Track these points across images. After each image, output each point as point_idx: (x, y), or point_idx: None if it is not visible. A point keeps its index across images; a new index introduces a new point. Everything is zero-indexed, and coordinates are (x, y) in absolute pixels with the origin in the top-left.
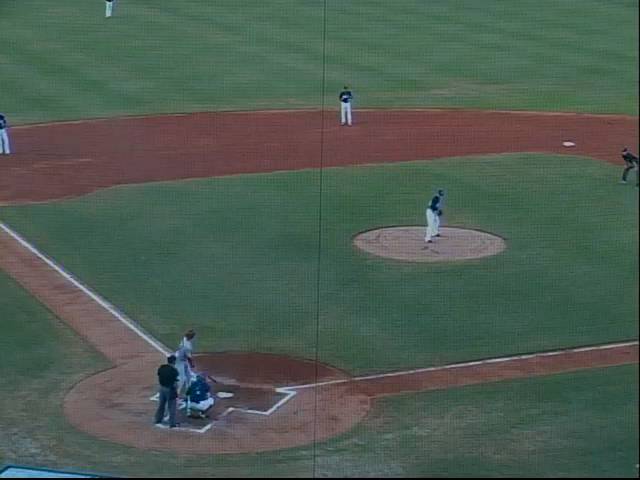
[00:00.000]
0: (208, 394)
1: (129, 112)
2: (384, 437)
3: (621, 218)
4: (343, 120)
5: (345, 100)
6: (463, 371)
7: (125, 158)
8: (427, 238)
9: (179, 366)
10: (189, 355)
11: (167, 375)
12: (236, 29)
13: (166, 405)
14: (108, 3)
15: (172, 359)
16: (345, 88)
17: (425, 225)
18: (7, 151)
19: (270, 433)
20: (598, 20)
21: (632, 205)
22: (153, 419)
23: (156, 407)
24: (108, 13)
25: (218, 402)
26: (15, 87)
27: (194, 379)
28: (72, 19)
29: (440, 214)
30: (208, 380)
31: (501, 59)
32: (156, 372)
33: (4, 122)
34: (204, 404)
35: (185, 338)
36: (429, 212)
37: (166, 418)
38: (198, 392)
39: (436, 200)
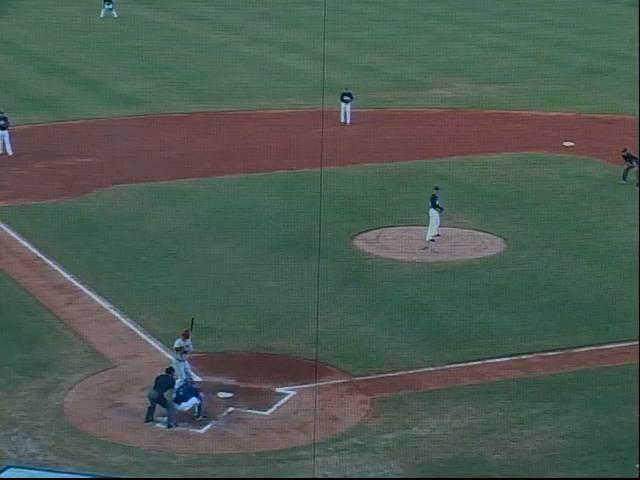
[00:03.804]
0: (192, 396)
1: (129, 112)
2: (384, 437)
3: (621, 218)
4: (342, 120)
5: (346, 101)
6: (463, 371)
7: (125, 158)
8: (428, 237)
9: (178, 367)
10: (189, 350)
11: (163, 383)
12: (236, 29)
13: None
14: (106, 5)
15: (171, 370)
16: (346, 89)
17: (427, 224)
18: (10, 152)
19: (270, 433)
20: (598, 20)
21: (632, 205)
22: (144, 418)
23: (146, 407)
24: (102, 14)
25: (217, 402)
26: (15, 87)
27: (180, 382)
28: (72, 19)
29: (441, 210)
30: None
31: (501, 59)
32: (154, 379)
33: (7, 123)
34: (185, 405)
35: (181, 338)
36: (432, 211)
37: (165, 418)
38: (181, 393)
39: (435, 198)
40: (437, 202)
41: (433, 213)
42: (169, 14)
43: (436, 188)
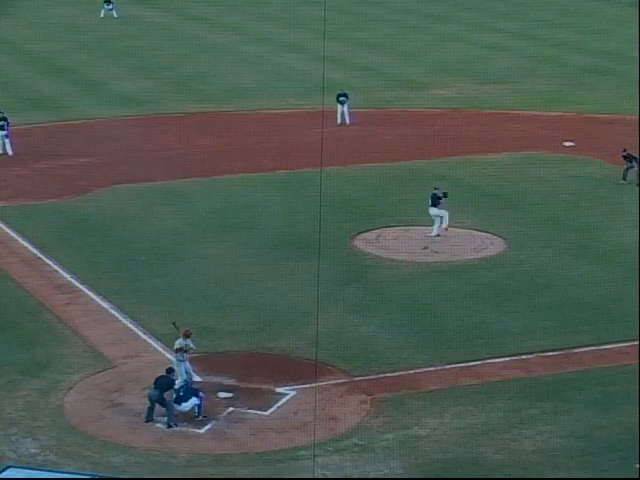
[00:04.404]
0: (192, 396)
1: (129, 112)
2: (384, 437)
3: (621, 218)
4: (339, 121)
5: (341, 102)
6: (463, 371)
7: (125, 158)
8: (434, 233)
9: (179, 368)
10: (190, 351)
11: (162, 383)
12: (236, 29)
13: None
14: (106, 5)
15: (171, 370)
16: (341, 90)
17: (428, 225)
18: (10, 152)
19: (270, 433)
20: (598, 20)
21: (632, 205)
22: (144, 418)
23: (146, 407)
24: (102, 14)
25: (218, 402)
26: (15, 87)
27: (180, 383)
28: (72, 19)
29: (446, 196)
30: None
31: (501, 59)
32: (153, 379)
33: (7, 124)
34: (185, 406)
35: (182, 338)
36: (433, 210)
37: (165, 418)
38: (181, 394)
39: (435, 197)
40: (440, 200)
41: (434, 212)
42: (169, 14)
43: (436, 187)
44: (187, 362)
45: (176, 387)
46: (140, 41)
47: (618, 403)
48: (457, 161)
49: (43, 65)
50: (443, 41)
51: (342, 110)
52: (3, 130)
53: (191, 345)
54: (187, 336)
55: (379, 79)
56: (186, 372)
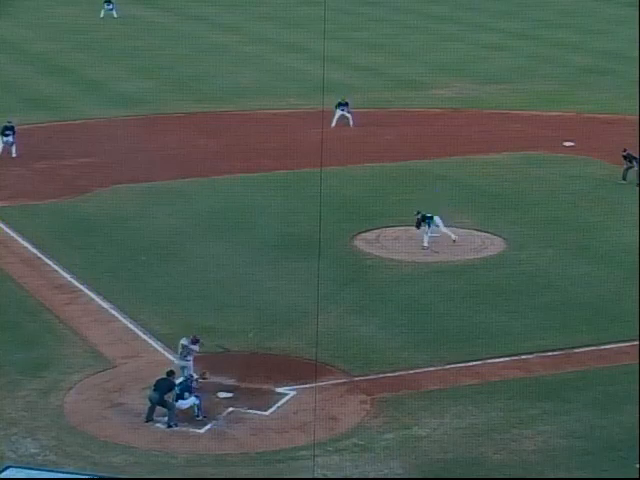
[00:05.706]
0: (188, 394)
1: (129, 112)
2: (384, 437)
3: (621, 218)
4: (333, 124)
5: (342, 110)
6: (463, 371)
7: (125, 158)
8: (436, 233)
9: (179, 366)
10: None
11: (163, 385)
12: (236, 29)
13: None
14: (106, 5)
15: (171, 373)
16: (342, 99)
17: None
18: (14, 154)
19: (270, 433)
20: (598, 20)
21: (632, 205)
22: (144, 418)
23: (146, 407)
24: (102, 14)
25: (217, 402)
26: (15, 87)
27: (180, 381)
28: (72, 19)
29: (428, 226)
30: (195, 383)
31: (501, 59)
32: (154, 382)
33: (14, 133)
34: (183, 403)
35: (190, 339)
36: (423, 228)
37: (165, 418)
38: (178, 391)
39: (425, 218)
40: (428, 219)
41: (424, 229)
42: (169, 14)
43: (420, 214)
44: (191, 362)
45: (176, 388)
46: (140, 41)
47: (618, 403)
48: (457, 161)
49: (43, 65)
50: (443, 41)
51: (342, 114)
52: (8, 137)
53: (194, 348)
54: (194, 342)
55: (379, 79)
56: (184, 369)
